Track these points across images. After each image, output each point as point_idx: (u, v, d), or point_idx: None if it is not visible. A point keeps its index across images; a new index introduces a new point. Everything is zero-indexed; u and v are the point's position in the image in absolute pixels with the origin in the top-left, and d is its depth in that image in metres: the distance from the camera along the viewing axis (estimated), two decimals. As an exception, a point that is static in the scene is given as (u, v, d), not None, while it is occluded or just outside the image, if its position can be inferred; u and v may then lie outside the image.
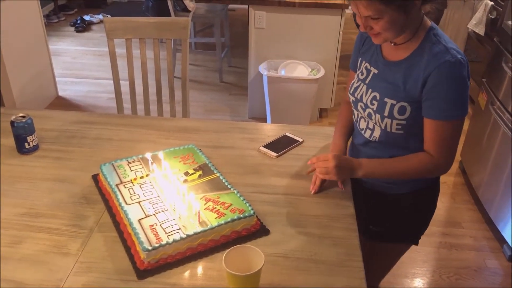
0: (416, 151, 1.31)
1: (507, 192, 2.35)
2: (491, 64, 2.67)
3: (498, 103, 2.50)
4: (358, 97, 1.38)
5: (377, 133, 1.36)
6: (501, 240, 2.42)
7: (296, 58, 3.33)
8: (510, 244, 2.33)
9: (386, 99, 1.29)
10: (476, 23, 3.45)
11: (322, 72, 3.20)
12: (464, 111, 1.22)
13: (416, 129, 1.28)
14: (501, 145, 2.44)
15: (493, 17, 3.24)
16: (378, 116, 1.31)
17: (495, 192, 2.47)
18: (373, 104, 1.33)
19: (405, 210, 1.48)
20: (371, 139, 1.38)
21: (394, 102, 1.28)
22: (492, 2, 3.26)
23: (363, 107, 1.36)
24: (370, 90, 1.35)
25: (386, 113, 1.29)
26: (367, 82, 1.37)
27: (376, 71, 1.35)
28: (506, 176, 2.36)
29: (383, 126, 1.31)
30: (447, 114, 1.21)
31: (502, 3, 2.96)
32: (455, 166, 3.06)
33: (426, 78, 1.20)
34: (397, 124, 1.29)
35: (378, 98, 1.32)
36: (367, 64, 1.39)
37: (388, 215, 1.50)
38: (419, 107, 1.25)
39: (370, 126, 1.37)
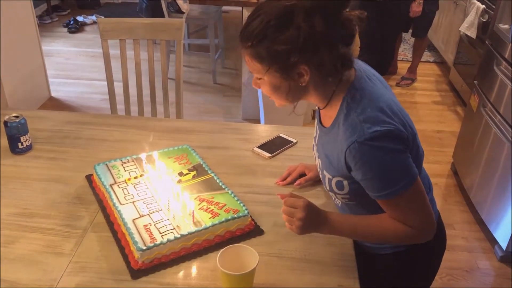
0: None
1: (499, 194, 2.37)
2: (483, 67, 2.70)
3: (489, 105, 2.52)
4: (313, 156, 1.26)
5: (337, 201, 1.23)
6: (493, 241, 2.44)
7: (289, 60, 3.33)
8: (501, 245, 2.35)
9: (324, 172, 1.15)
10: (468, 26, 3.48)
11: (315, 74, 3.21)
12: (407, 180, 1.02)
13: (369, 199, 1.07)
14: (492, 147, 2.47)
15: (484, 20, 3.27)
16: (325, 187, 1.18)
17: (486, 193, 2.49)
18: (320, 173, 1.19)
19: (391, 273, 1.28)
20: (335, 202, 1.27)
21: (330, 176, 1.12)
22: (483, 6, 3.29)
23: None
24: (317, 155, 1.21)
25: (327, 187, 1.16)
26: (316, 142, 1.23)
27: (319, 133, 1.20)
28: (498, 177, 2.38)
29: (332, 198, 1.21)
30: (387, 193, 1.02)
31: (494, 6, 2.99)
32: (447, 167, 3.08)
33: (344, 157, 1.04)
34: (343, 198, 1.15)
35: (320, 167, 1.18)
36: (316, 122, 1.23)
37: (377, 278, 1.28)
38: (356, 181, 1.07)
39: None
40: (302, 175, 1.44)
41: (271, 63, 1.01)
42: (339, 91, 1.07)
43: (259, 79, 1.08)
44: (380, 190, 1.03)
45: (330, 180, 1.13)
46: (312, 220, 1.09)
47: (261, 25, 0.98)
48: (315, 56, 0.99)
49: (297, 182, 1.43)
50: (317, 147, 1.20)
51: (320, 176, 1.20)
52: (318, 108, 1.18)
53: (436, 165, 3.12)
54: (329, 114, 1.11)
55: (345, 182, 1.09)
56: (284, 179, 1.45)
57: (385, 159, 1.00)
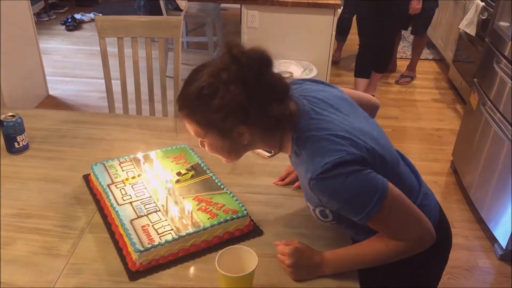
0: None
1: (498, 192, 2.36)
2: (483, 65, 2.69)
3: (489, 103, 2.51)
4: None
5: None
6: (492, 239, 2.43)
7: (288, 58, 3.33)
8: (501, 243, 2.34)
9: (307, 202, 1.14)
10: (468, 24, 3.46)
11: (314, 72, 3.20)
12: (378, 195, 1.00)
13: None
14: (492, 145, 2.46)
15: (484, 17, 3.26)
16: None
17: (486, 191, 2.48)
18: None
19: (393, 275, 1.25)
20: None
21: (312, 207, 1.12)
22: (483, 3, 3.28)
23: None
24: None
25: (314, 215, 1.15)
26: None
27: None
28: (497, 176, 2.38)
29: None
30: (364, 215, 1.01)
31: (493, 4, 2.98)
32: (446, 165, 3.07)
33: (312, 193, 1.05)
34: (331, 224, 1.15)
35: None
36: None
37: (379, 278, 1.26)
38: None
39: None
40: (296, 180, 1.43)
41: (208, 128, 1.06)
42: (287, 135, 1.09)
43: (203, 141, 1.12)
44: (356, 214, 1.03)
45: (313, 210, 1.13)
46: (305, 265, 1.11)
47: (194, 93, 1.02)
48: (247, 118, 1.02)
49: (296, 183, 1.42)
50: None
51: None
52: None
53: (435, 163, 3.11)
54: (287, 152, 1.13)
55: (327, 211, 1.10)
56: (283, 179, 1.44)
57: (346, 185, 0.99)
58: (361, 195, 1.01)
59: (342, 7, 3.33)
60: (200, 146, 1.16)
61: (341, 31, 4.30)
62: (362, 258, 1.12)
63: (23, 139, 1.54)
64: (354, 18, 4.07)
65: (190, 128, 1.10)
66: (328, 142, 1.02)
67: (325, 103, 1.11)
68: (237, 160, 1.17)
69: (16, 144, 1.53)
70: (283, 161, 1.53)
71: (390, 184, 1.03)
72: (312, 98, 1.12)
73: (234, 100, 0.99)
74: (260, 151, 1.58)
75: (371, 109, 1.30)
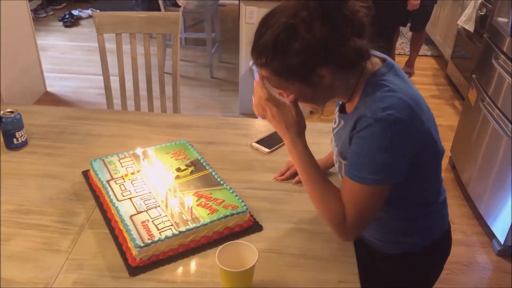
0: (398, 207, 1.14)
1: (496, 188, 2.37)
2: (481, 61, 2.69)
3: (487, 99, 2.52)
4: (332, 148, 1.27)
5: None
6: (491, 235, 2.44)
7: (287, 54, 3.32)
8: (499, 239, 2.35)
9: (340, 158, 1.15)
10: (466, 20, 3.46)
11: (313, 68, 3.20)
12: (379, 177, 0.99)
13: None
14: (490, 141, 2.46)
15: (482, 13, 3.25)
16: (340, 176, 1.19)
17: (484, 187, 2.49)
18: (336, 162, 1.20)
19: (397, 273, 1.27)
20: None
21: (345, 162, 1.11)
22: (481, -1, 3.28)
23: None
24: (334, 144, 1.21)
25: (342, 173, 1.14)
26: (334, 133, 1.22)
27: (337, 123, 1.20)
28: (496, 171, 2.38)
29: None
30: (354, 173, 1.02)
31: (492, 0, 2.97)
32: (444, 161, 3.08)
33: (353, 127, 1.05)
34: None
35: (336, 155, 1.19)
36: (337, 111, 1.23)
37: (379, 277, 1.28)
38: None
39: None
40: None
41: (289, 75, 1.02)
42: (362, 82, 1.06)
43: (283, 90, 1.08)
44: (352, 166, 1.03)
45: (345, 166, 1.11)
46: (282, 120, 1.10)
47: (270, 41, 0.98)
48: (328, 57, 0.98)
49: (296, 179, 1.42)
50: (335, 136, 1.20)
51: (336, 166, 1.20)
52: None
53: (434, 159, 3.11)
54: (351, 104, 1.10)
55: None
56: (283, 174, 1.44)
57: (377, 145, 0.98)
58: (376, 163, 0.99)
59: None
60: (278, 96, 1.12)
61: None
62: (311, 177, 1.11)
63: (22, 135, 1.53)
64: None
65: (269, 80, 1.06)
66: (401, 99, 0.98)
67: (398, 70, 1.10)
68: (323, 107, 1.14)
69: (15, 140, 1.52)
70: (282, 157, 1.53)
71: (392, 184, 1.02)
72: (397, 68, 1.10)
73: (316, 38, 0.95)
74: (259, 146, 1.58)
75: None
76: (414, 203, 1.17)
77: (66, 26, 5.26)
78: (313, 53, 0.97)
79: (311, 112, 3.60)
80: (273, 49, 0.99)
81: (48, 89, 3.88)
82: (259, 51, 1.01)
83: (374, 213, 1.06)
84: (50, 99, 3.77)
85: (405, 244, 1.21)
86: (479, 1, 3.28)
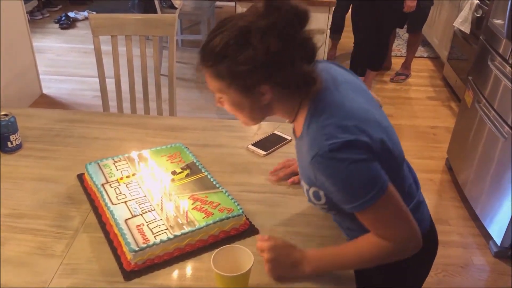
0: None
1: (493, 189, 2.37)
2: (477, 62, 2.69)
3: (484, 100, 2.52)
4: None
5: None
6: (487, 236, 2.44)
7: (283, 56, 3.31)
8: (496, 240, 2.35)
9: (302, 181, 1.12)
10: (462, 21, 3.47)
11: (309, 70, 3.19)
12: (376, 190, 0.97)
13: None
14: (487, 142, 2.46)
15: (478, 15, 3.26)
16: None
17: (481, 189, 2.49)
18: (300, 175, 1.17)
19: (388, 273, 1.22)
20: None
21: (307, 187, 1.09)
22: (477, 1, 3.28)
23: None
24: (296, 156, 1.18)
25: (307, 197, 1.12)
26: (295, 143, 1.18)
27: (295, 143, 1.18)
28: (492, 173, 2.38)
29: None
30: (356, 205, 0.99)
31: (488, 2, 2.98)
32: (441, 163, 3.08)
33: (311, 170, 1.02)
34: (322, 208, 1.12)
35: (300, 177, 1.16)
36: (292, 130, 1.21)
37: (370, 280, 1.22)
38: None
39: None
40: (297, 173, 1.42)
41: (231, 81, 1.00)
42: (305, 103, 1.05)
43: (221, 97, 1.07)
44: (349, 202, 1.00)
45: (307, 191, 1.10)
46: (283, 261, 1.08)
47: (221, 44, 0.97)
48: (274, 75, 0.98)
49: (290, 179, 1.41)
50: (296, 155, 1.19)
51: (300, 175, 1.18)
52: None
53: (430, 160, 3.12)
54: (298, 126, 1.09)
55: (321, 193, 1.07)
56: (278, 172, 1.44)
57: (348, 170, 0.96)
58: (360, 186, 0.98)
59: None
60: (216, 104, 1.10)
61: (335, 30, 4.29)
62: (344, 257, 1.09)
63: (16, 138, 1.52)
64: (348, 16, 4.07)
65: (211, 83, 1.04)
66: (342, 122, 0.98)
67: (349, 84, 1.10)
68: (255, 124, 1.14)
69: (9, 143, 1.51)
70: (279, 160, 1.52)
71: (390, 184, 1.01)
72: (336, 77, 1.10)
73: (261, 54, 0.94)
74: (255, 149, 1.57)
75: None
76: None
77: (62, 28, 5.24)
78: (259, 65, 0.96)
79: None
80: (222, 52, 0.97)
81: (44, 91, 3.86)
82: (208, 51, 1.00)
83: (404, 212, 1.02)
84: (46, 101, 3.76)
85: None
86: (475, 3, 3.29)
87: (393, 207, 1.01)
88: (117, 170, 1.38)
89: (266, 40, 0.94)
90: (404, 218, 1.03)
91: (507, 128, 2.24)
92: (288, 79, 0.99)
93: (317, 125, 1.00)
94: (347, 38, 4.37)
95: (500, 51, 2.40)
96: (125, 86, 2.18)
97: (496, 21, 2.51)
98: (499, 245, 2.32)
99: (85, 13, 5.57)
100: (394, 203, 1.02)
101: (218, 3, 5.57)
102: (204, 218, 1.20)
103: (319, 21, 3.21)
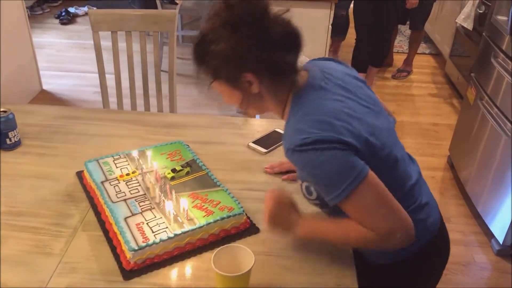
0: None
1: (495, 187, 2.35)
2: (480, 59, 2.67)
3: (486, 97, 2.50)
4: None
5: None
6: (489, 234, 2.43)
7: (284, 52, 3.29)
8: (497, 238, 2.33)
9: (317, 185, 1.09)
10: (465, 18, 3.45)
11: (311, 66, 3.17)
12: (352, 179, 0.96)
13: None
14: (489, 139, 2.45)
15: (481, 11, 3.23)
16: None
17: (483, 186, 2.48)
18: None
19: (395, 284, 1.22)
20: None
21: (300, 181, 1.11)
22: (480, -3, 3.26)
23: None
24: None
25: (301, 193, 1.12)
26: None
27: None
28: (494, 171, 2.37)
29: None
30: (334, 196, 0.98)
31: (491, -2, 2.96)
32: (443, 160, 3.06)
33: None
34: (315, 204, 1.12)
35: None
36: None
37: None
38: None
39: None
40: (294, 171, 1.41)
41: (216, 75, 1.07)
42: (290, 98, 1.08)
43: (219, 93, 1.12)
44: (327, 193, 1.00)
45: (300, 186, 1.11)
46: (281, 219, 1.11)
47: (199, 44, 1.05)
48: (251, 63, 1.01)
49: (285, 176, 1.41)
50: None
51: None
52: None
53: (432, 158, 3.10)
54: (286, 122, 1.11)
55: (312, 188, 1.07)
56: (273, 169, 1.43)
57: (320, 160, 0.97)
58: (334, 174, 0.97)
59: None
60: (223, 100, 1.16)
61: (341, 32, 4.24)
62: (332, 235, 1.09)
63: (15, 135, 1.51)
64: (350, 11, 4.04)
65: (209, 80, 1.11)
66: (318, 119, 1.00)
67: (338, 81, 1.10)
68: (259, 114, 1.18)
69: (7, 140, 1.50)
70: (279, 157, 1.50)
71: (370, 171, 0.98)
72: (321, 73, 1.11)
73: (226, 45, 1.00)
74: (256, 146, 1.56)
75: None
76: None
77: (62, 24, 5.22)
78: (229, 58, 1.01)
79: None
80: (201, 50, 1.05)
81: (44, 87, 3.85)
82: (194, 54, 1.08)
83: (387, 201, 0.99)
84: (46, 97, 3.74)
85: (391, 254, 1.14)
86: (478, -1, 3.27)
87: (374, 196, 0.99)
88: (117, 167, 1.37)
89: (222, 35, 1.00)
90: (388, 208, 0.99)
91: (509, 125, 2.23)
92: (265, 64, 1.01)
93: (294, 119, 1.04)
94: (349, 34, 4.34)
95: (504, 47, 2.38)
96: (125, 82, 2.16)
97: (500, 17, 2.49)
98: (501, 243, 2.31)
99: (85, 9, 5.54)
100: (376, 192, 0.99)
101: (219, -2, 5.54)
102: (204, 216, 1.19)
103: (320, 18, 3.19)
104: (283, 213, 1.11)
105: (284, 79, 1.07)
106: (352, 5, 3.88)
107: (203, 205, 1.23)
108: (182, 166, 1.38)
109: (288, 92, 1.08)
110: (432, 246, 1.13)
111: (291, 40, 1.05)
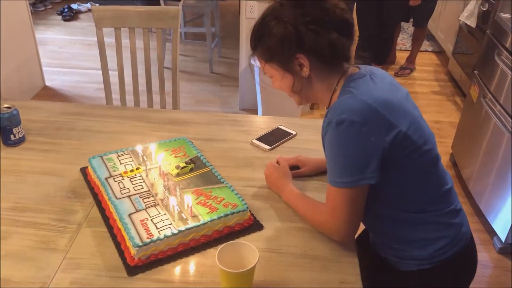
0: (382, 216, 1.17)
1: (498, 185, 2.35)
2: (483, 57, 2.67)
3: (489, 95, 2.49)
4: None
5: None
6: (491, 232, 2.43)
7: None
8: (500, 236, 2.33)
9: (327, 162, 1.13)
10: (468, 15, 3.44)
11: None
12: (344, 180, 1.04)
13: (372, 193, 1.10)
14: (492, 137, 2.45)
15: (485, 9, 3.23)
16: None
17: (485, 184, 2.47)
18: None
19: None
20: None
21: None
22: (484, -6, 3.25)
23: None
24: None
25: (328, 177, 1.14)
26: None
27: None
28: (497, 169, 2.36)
29: None
30: (329, 178, 1.08)
31: (495, -5, 2.95)
32: (445, 158, 3.06)
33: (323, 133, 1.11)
34: None
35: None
36: None
37: None
38: None
39: None
40: (295, 167, 1.41)
41: (269, 58, 1.12)
42: (340, 84, 1.12)
43: (271, 77, 1.17)
44: (330, 172, 1.08)
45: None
46: (272, 180, 1.33)
47: (255, 27, 1.12)
48: (306, 43, 1.06)
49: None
50: None
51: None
52: None
53: (434, 156, 3.09)
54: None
55: None
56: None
57: (336, 148, 1.05)
58: (336, 164, 1.06)
59: None
60: (272, 85, 1.20)
61: None
62: (301, 208, 1.24)
63: (19, 131, 1.51)
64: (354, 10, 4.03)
65: (261, 65, 1.16)
66: (361, 104, 1.02)
67: (385, 80, 1.14)
68: (305, 103, 1.22)
69: (12, 136, 1.50)
70: (283, 154, 1.50)
71: (365, 186, 1.06)
72: (374, 71, 1.16)
73: (285, 24, 1.05)
74: (259, 143, 1.56)
75: None
76: (406, 210, 1.13)
77: (65, 20, 5.22)
78: (290, 36, 1.06)
79: (312, 108, 3.58)
80: (257, 33, 1.12)
81: (47, 83, 3.85)
82: (251, 37, 1.14)
83: (353, 216, 1.09)
84: (49, 93, 3.75)
85: (419, 260, 1.15)
86: (482, -3, 3.26)
87: (350, 204, 1.07)
88: (121, 164, 1.37)
89: (284, 14, 1.06)
90: (349, 217, 1.09)
91: (513, 123, 2.22)
92: (317, 46, 1.05)
93: (342, 96, 1.07)
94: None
95: (507, 45, 2.38)
96: (128, 79, 2.16)
97: (504, 15, 2.49)
98: (503, 241, 2.31)
99: (88, 5, 5.54)
100: (354, 201, 1.08)
101: (221, -5, 5.54)
102: (208, 213, 1.19)
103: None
104: (275, 174, 1.32)
105: (336, 64, 1.11)
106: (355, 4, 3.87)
107: (207, 202, 1.23)
108: (186, 163, 1.38)
109: (338, 80, 1.12)
110: (460, 258, 1.13)
111: (348, 26, 1.10)
